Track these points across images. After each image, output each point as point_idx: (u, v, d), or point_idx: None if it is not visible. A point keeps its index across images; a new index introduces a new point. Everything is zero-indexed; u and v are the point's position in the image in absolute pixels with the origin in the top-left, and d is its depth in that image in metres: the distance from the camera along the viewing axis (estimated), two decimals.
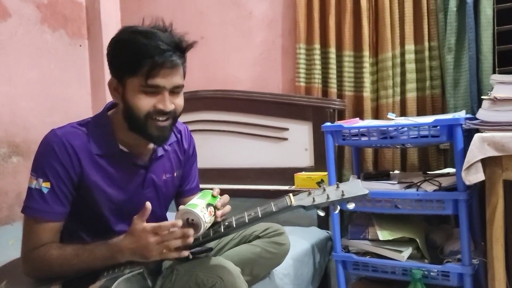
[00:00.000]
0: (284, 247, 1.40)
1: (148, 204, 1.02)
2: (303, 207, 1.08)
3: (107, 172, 1.13)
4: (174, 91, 1.10)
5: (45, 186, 1.06)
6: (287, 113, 2.20)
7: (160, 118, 1.09)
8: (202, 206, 1.05)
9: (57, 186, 1.07)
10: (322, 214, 1.10)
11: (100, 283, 1.01)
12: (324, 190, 1.09)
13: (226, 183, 2.32)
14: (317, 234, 1.95)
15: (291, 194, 1.10)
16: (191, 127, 2.42)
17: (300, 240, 1.81)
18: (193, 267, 1.10)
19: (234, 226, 1.09)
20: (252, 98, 2.30)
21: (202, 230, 1.04)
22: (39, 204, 1.07)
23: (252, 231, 1.39)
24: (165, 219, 1.26)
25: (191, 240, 1.01)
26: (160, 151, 1.22)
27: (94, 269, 1.05)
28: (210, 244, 1.19)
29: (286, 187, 2.13)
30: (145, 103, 1.06)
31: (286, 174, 2.17)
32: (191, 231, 1.00)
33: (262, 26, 2.43)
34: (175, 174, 1.29)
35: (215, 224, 1.11)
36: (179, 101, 1.12)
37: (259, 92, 2.31)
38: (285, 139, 2.23)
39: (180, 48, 1.08)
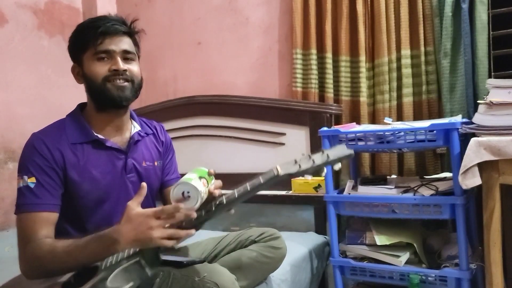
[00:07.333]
0: (280, 251, 1.40)
1: (144, 184, 1.02)
2: (290, 174, 1.08)
3: (89, 158, 1.17)
4: (127, 57, 1.19)
5: (31, 181, 1.10)
6: (284, 118, 2.21)
7: (117, 79, 1.16)
8: (195, 178, 1.05)
9: (42, 179, 1.11)
10: (309, 178, 1.10)
11: (98, 277, 0.99)
12: (310, 157, 1.10)
13: (223, 188, 2.30)
14: (314, 239, 1.95)
15: (278, 165, 1.10)
16: (188, 132, 2.48)
17: (298, 246, 1.80)
18: (190, 273, 1.11)
19: (225, 203, 1.09)
20: (249, 103, 2.30)
21: (199, 201, 1.03)
22: (28, 199, 1.09)
23: (248, 236, 1.40)
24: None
25: (194, 215, 1.00)
26: (137, 136, 1.27)
27: (87, 266, 1.02)
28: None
29: (283, 192, 2.13)
30: (100, 68, 1.15)
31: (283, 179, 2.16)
32: (193, 212, 1.00)
33: (259, 32, 2.44)
34: (155, 164, 1.33)
35: (207, 203, 1.10)
36: (133, 67, 1.20)
37: (256, 97, 2.31)
38: (282, 144, 2.23)
39: (123, 21, 1.21)
